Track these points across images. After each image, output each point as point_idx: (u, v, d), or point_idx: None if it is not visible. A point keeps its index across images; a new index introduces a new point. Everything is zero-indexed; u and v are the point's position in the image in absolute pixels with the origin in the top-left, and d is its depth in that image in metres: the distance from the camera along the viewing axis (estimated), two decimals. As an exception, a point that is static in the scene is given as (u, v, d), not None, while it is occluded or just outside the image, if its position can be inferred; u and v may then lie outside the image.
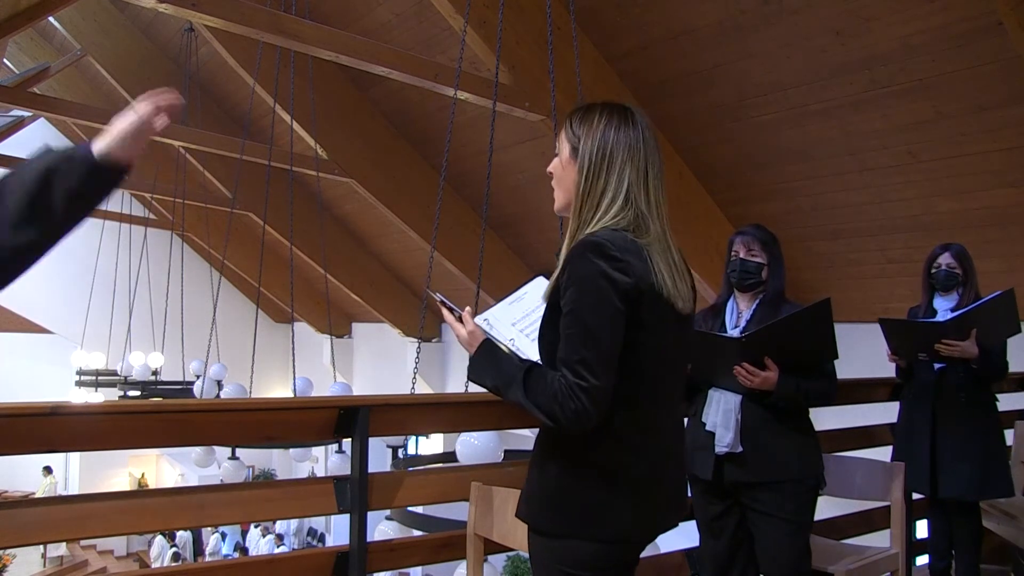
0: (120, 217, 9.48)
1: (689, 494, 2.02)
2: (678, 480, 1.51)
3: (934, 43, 3.57)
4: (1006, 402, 3.19)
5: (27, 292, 10.65)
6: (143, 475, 15.19)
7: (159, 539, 11.84)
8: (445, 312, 1.51)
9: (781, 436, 2.19)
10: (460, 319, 1.50)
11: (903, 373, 3.08)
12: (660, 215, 1.43)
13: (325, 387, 5.43)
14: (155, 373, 8.67)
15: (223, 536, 11.95)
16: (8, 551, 10.69)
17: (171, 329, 8.35)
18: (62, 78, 9.47)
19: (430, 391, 9.29)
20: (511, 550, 2.08)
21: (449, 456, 3.18)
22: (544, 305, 1.44)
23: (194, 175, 8.94)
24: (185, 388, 7.72)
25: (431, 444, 8.68)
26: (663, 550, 2.75)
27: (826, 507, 2.57)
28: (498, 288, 6.37)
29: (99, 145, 1.16)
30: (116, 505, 1.91)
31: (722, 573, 2.27)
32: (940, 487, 2.86)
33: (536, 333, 1.50)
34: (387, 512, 2.78)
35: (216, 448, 4.98)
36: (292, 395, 5.60)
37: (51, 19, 7.40)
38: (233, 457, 4.81)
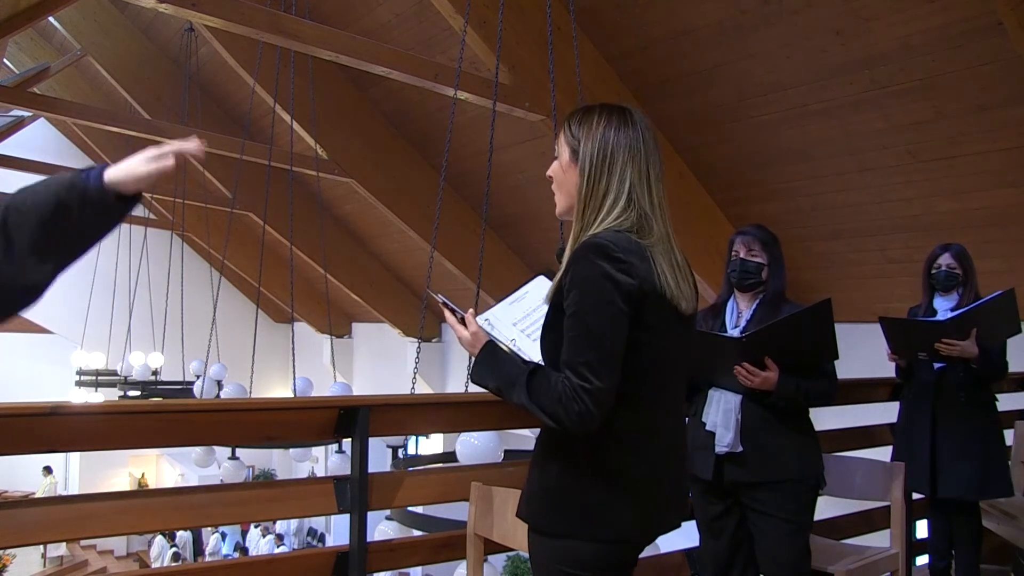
0: (120, 217, 9.45)
1: (689, 494, 2.02)
2: (679, 481, 1.51)
3: (934, 43, 3.57)
4: (1006, 402, 3.19)
5: (27, 292, 10.60)
6: (143, 475, 15.19)
7: (159, 539, 11.84)
8: (447, 314, 1.50)
9: (781, 436, 2.19)
10: (462, 321, 1.50)
11: (903, 373, 3.08)
12: (663, 216, 1.43)
13: (325, 387, 5.43)
14: (155, 373, 8.66)
15: (223, 536, 11.95)
16: (8, 551, 10.70)
17: (171, 329, 8.35)
18: (62, 78, 9.47)
19: (430, 391, 9.29)
20: (511, 550, 2.08)
21: (449, 456, 3.18)
22: (545, 305, 1.44)
23: (194, 175, 8.94)
24: (185, 388, 7.72)
25: (431, 444, 8.68)
26: (663, 550, 2.75)
27: (826, 507, 2.57)
28: (498, 288, 6.37)
29: (112, 177, 1.12)
30: (116, 505, 1.91)
31: (722, 573, 2.27)
32: (940, 487, 2.86)
33: (537, 333, 1.50)
34: (387, 512, 2.78)
35: (216, 448, 4.98)
36: (292, 395, 5.60)
37: (51, 19, 7.39)
38: (233, 457, 4.81)
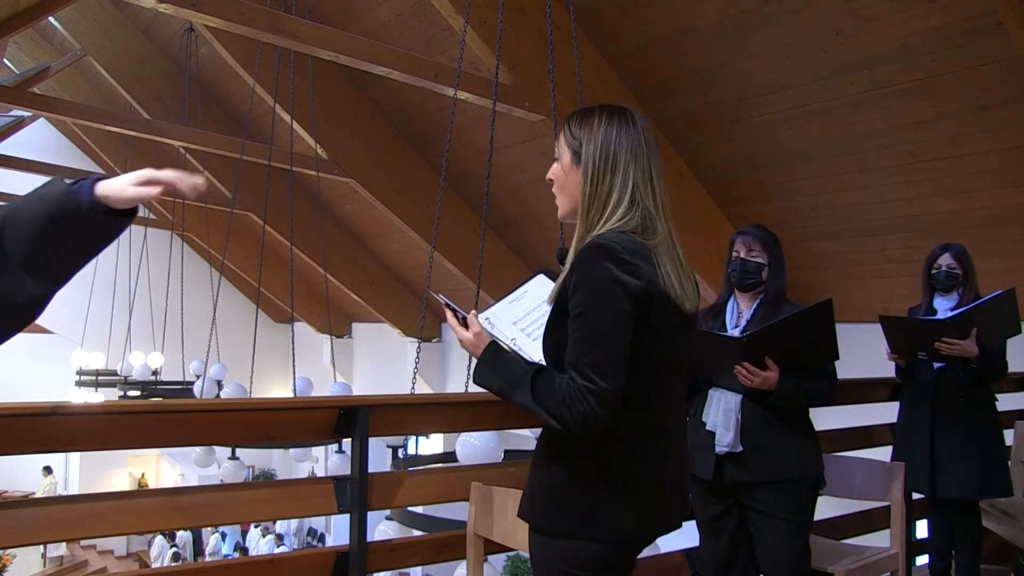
0: (120, 217, 9.45)
1: (689, 494, 2.02)
2: (680, 481, 1.51)
3: (934, 43, 3.57)
4: (1006, 402, 3.19)
5: (27, 292, 10.60)
6: (143, 475, 15.19)
7: (159, 539, 11.84)
8: (449, 315, 1.50)
9: (781, 436, 2.19)
10: (464, 321, 1.49)
11: (903, 373, 3.08)
12: (666, 215, 1.43)
13: (325, 387, 5.43)
14: (155, 373, 8.66)
15: (223, 536, 11.95)
16: (8, 551, 10.69)
17: (171, 329, 8.35)
18: (62, 78, 9.47)
19: (430, 391, 9.29)
20: (511, 550, 2.08)
21: (449, 456, 3.18)
22: (546, 304, 1.44)
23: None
24: (185, 388, 7.72)
25: (431, 444, 8.68)
26: (663, 550, 2.75)
27: (826, 507, 2.58)
28: (498, 288, 6.36)
29: (102, 192, 1.12)
30: (116, 505, 1.91)
31: (722, 573, 2.27)
32: (940, 487, 2.86)
33: (537, 332, 1.49)
34: (387, 512, 2.78)
35: (216, 448, 4.97)
36: (292, 395, 5.60)
37: (51, 19, 7.39)
38: (233, 457, 4.81)
